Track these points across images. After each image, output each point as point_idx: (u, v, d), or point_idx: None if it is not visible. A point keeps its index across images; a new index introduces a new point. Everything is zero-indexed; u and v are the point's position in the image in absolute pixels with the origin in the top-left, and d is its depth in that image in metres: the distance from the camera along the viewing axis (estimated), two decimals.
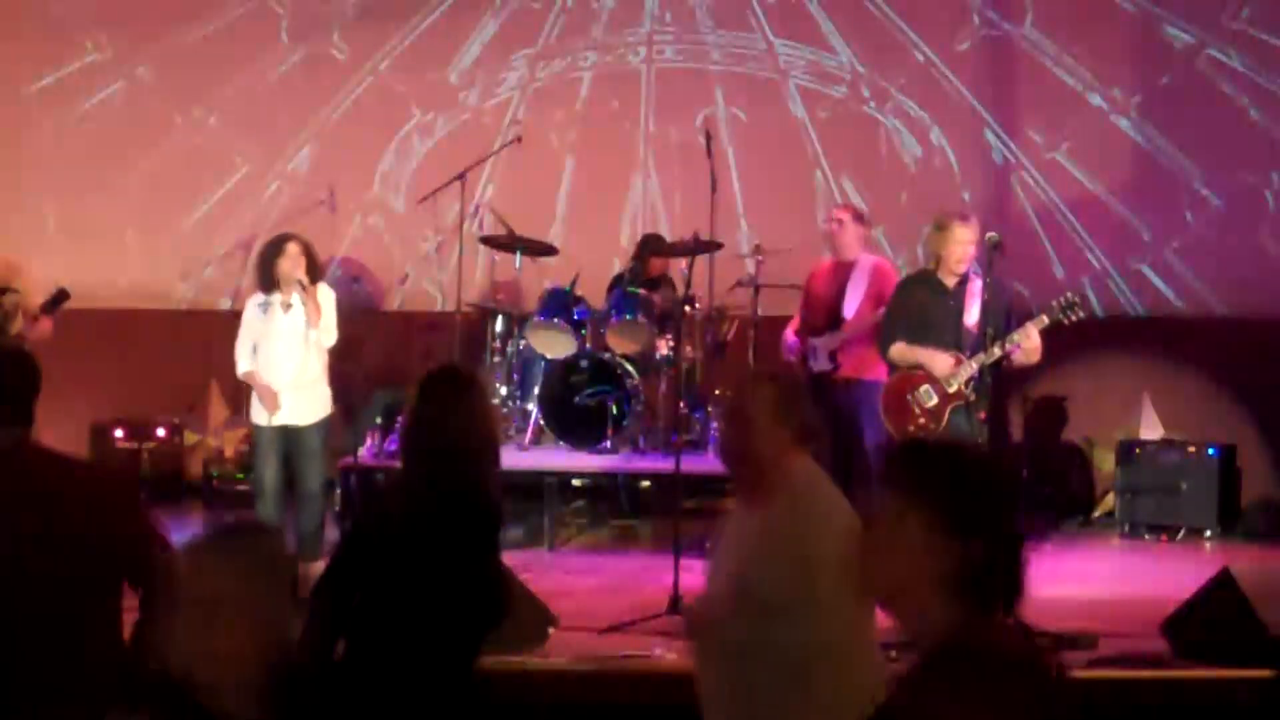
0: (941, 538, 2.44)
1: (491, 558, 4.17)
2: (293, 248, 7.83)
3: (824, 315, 8.41)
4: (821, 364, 8.30)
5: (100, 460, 9.52)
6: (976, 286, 7.28)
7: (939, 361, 7.26)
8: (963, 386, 7.21)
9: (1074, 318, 7.21)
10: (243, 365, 7.93)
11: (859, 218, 8.53)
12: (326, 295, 7.93)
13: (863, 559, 2.56)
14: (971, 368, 7.17)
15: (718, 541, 4.28)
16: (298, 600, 2.80)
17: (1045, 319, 7.17)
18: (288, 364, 7.81)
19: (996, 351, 7.14)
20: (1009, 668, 2.42)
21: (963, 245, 7.26)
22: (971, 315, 7.24)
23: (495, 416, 4.32)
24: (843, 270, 8.45)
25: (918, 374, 7.34)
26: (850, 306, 8.32)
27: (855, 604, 3.72)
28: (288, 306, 7.79)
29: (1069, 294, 7.31)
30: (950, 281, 7.35)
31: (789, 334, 8.64)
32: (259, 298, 7.90)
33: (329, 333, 7.87)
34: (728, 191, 9.98)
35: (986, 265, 7.14)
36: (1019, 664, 2.44)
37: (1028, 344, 7.15)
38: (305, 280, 7.73)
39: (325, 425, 7.96)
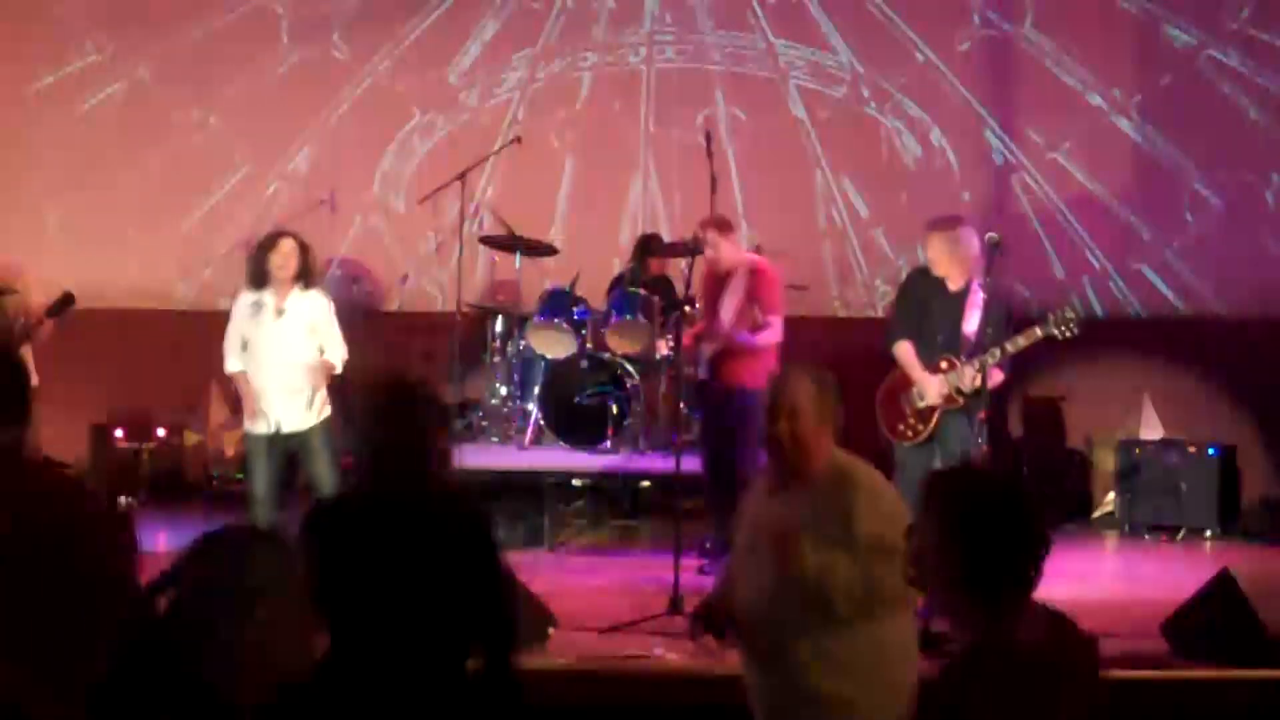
0: (944, 544, 2.88)
1: (483, 556, 4.09)
2: (286, 244, 7.63)
3: (710, 322, 8.20)
4: (703, 372, 8.14)
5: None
6: (979, 298, 7.20)
7: (927, 384, 7.22)
8: (954, 392, 7.16)
9: (1069, 333, 7.12)
10: (232, 364, 7.75)
11: (725, 227, 8.22)
12: (322, 307, 7.74)
13: (911, 560, 3.01)
14: (964, 374, 7.11)
15: (749, 523, 4.56)
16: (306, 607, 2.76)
17: (1038, 332, 7.11)
18: (281, 372, 7.64)
19: (984, 363, 7.07)
20: (1024, 668, 2.81)
21: (932, 262, 7.31)
22: (971, 323, 7.17)
23: (447, 419, 4.26)
24: (725, 275, 8.19)
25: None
26: (727, 312, 8.09)
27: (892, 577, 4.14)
28: (280, 312, 7.62)
29: (1065, 309, 7.20)
30: (952, 285, 7.31)
31: (687, 339, 8.40)
32: (250, 296, 7.69)
33: (337, 350, 7.69)
34: (728, 191, 9.98)
35: (985, 267, 7.10)
36: (1034, 665, 2.84)
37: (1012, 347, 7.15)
38: (316, 380, 7.63)
39: (327, 425, 7.76)
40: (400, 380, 4.22)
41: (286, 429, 7.66)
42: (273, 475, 7.69)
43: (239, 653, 2.63)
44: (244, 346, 7.73)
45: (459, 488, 4.20)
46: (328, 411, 7.78)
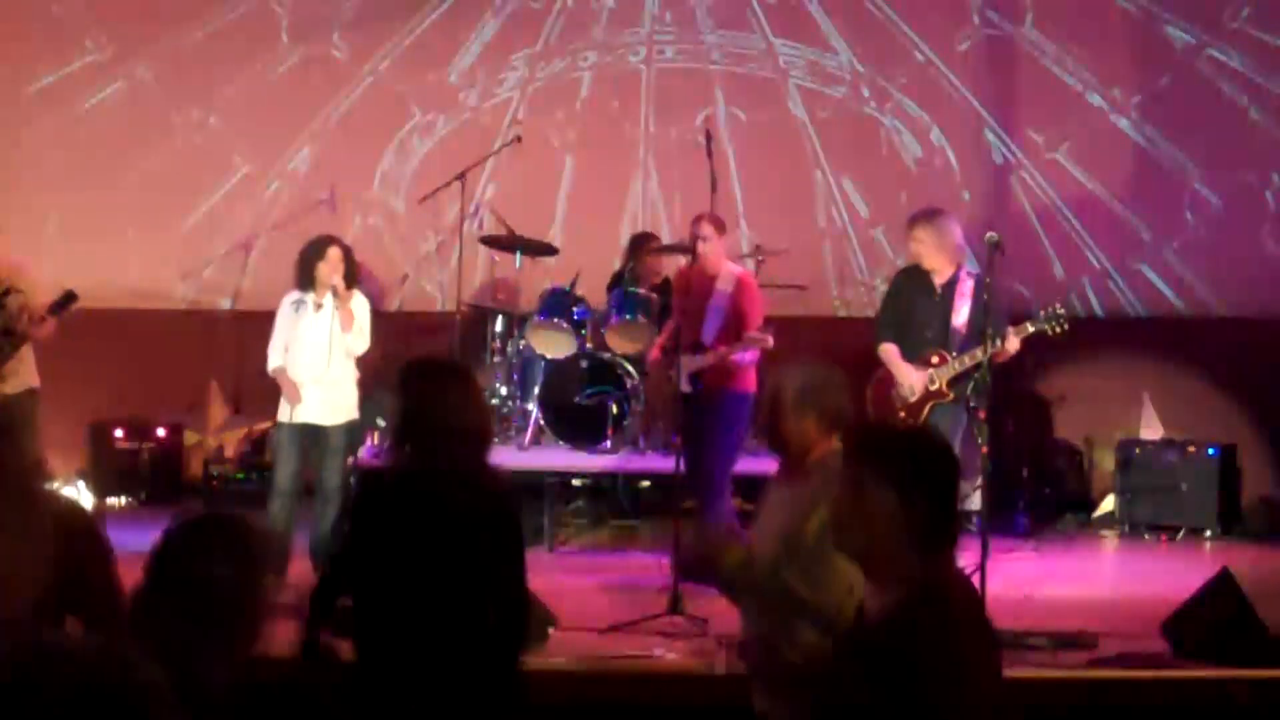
0: (901, 503, 3.00)
1: (513, 546, 4.16)
2: (334, 252, 7.93)
3: (691, 332, 7.92)
4: (685, 385, 7.87)
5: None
6: (967, 287, 7.33)
7: (905, 376, 7.38)
8: (944, 385, 7.26)
9: (1058, 330, 7.30)
10: (273, 361, 7.99)
11: (722, 228, 8.08)
12: (361, 304, 8.02)
13: (838, 525, 3.14)
14: (954, 367, 7.23)
15: (758, 514, 4.71)
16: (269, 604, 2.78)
17: (1029, 327, 7.26)
18: (314, 362, 7.86)
19: (979, 354, 7.16)
20: (965, 608, 3.07)
21: (917, 255, 7.44)
22: (960, 315, 7.29)
23: (485, 402, 4.40)
24: (706, 283, 7.97)
25: None
26: (710, 327, 7.90)
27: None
28: (318, 306, 7.88)
29: (1055, 306, 7.36)
30: (937, 280, 7.40)
31: (655, 352, 8.37)
32: (293, 295, 7.99)
33: (361, 338, 7.93)
34: (728, 191, 9.97)
35: (987, 265, 7.14)
36: (970, 606, 3.13)
37: (1006, 344, 7.25)
38: (340, 286, 7.82)
39: (350, 428, 7.99)
40: (447, 363, 4.37)
41: (314, 420, 7.87)
42: (296, 466, 7.88)
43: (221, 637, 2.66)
44: (286, 349, 7.96)
45: (493, 470, 4.27)
46: (355, 415, 7.94)
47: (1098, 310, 10.34)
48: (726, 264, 8.11)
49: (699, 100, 10.63)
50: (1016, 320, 7.41)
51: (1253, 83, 10.33)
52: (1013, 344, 7.23)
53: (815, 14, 10.62)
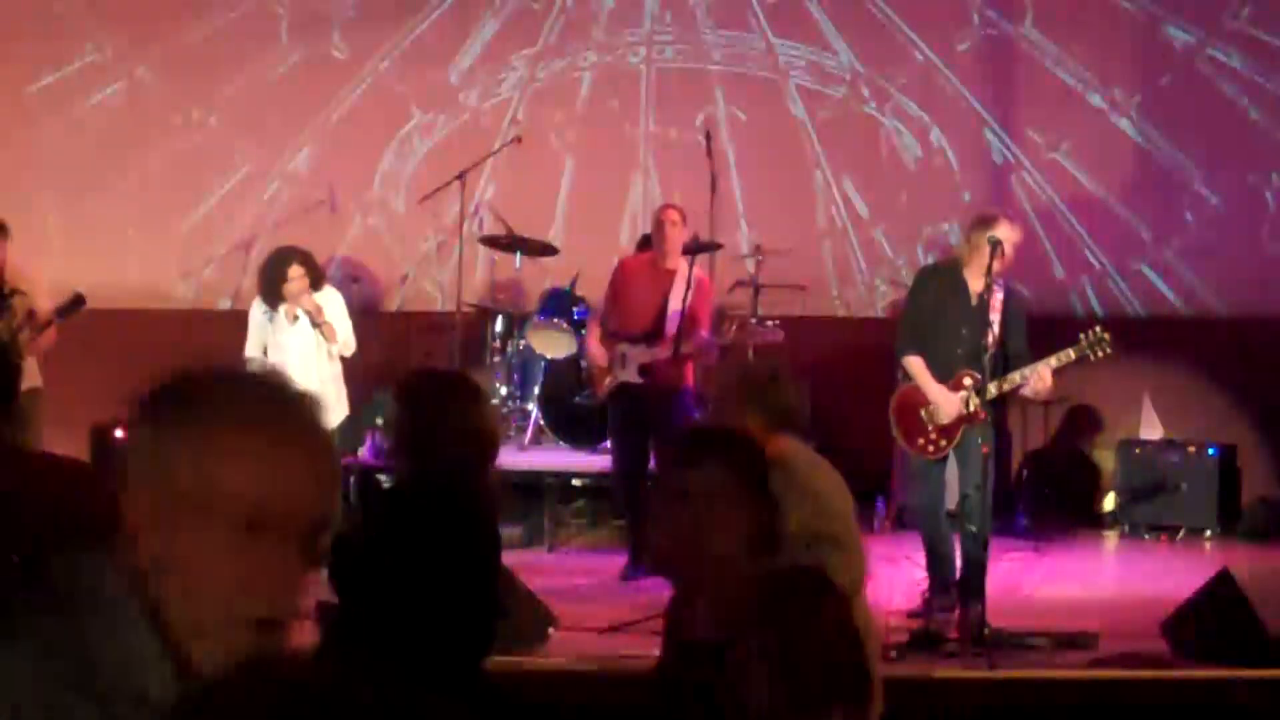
0: (748, 506, 2.92)
1: (489, 568, 4.15)
2: (295, 271, 7.77)
3: (643, 323, 7.92)
4: (630, 375, 7.87)
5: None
6: (998, 299, 6.90)
7: (940, 401, 6.90)
8: (980, 407, 6.85)
9: (1101, 354, 6.89)
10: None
11: (685, 220, 8.07)
12: (335, 302, 7.89)
13: (676, 539, 2.95)
14: (990, 391, 6.81)
15: None
16: None
17: (1071, 354, 6.85)
18: (300, 373, 7.71)
19: (1011, 381, 6.85)
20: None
21: (1008, 245, 6.83)
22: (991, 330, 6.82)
23: (493, 419, 4.33)
24: (663, 276, 7.93)
25: None
26: (672, 322, 7.84)
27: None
28: (294, 318, 7.76)
29: (1097, 330, 6.93)
30: (976, 284, 6.91)
31: (593, 343, 8.29)
32: (263, 305, 7.86)
33: (348, 346, 7.82)
34: (728, 191, 9.98)
35: (987, 266, 6.93)
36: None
37: (1039, 383, 6.85)
38: (314, 306, 7.71)
39: (341, 428, 7.93)
40: (456, 376, 4.33)
41: None
42: None
43: None
44: (264, 352, 7.85)
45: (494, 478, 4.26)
46: (345, 411, 7.89)
47: (1098, 310, 10.33)
48: (683, 261, 8.11)
49: (699, 100, 10.63)
50: (1034, 327, 7.07)
51: (1253, 83, 10.32)
52: (1047, 378, 6.82)
53: (815, 14, 10.61)
